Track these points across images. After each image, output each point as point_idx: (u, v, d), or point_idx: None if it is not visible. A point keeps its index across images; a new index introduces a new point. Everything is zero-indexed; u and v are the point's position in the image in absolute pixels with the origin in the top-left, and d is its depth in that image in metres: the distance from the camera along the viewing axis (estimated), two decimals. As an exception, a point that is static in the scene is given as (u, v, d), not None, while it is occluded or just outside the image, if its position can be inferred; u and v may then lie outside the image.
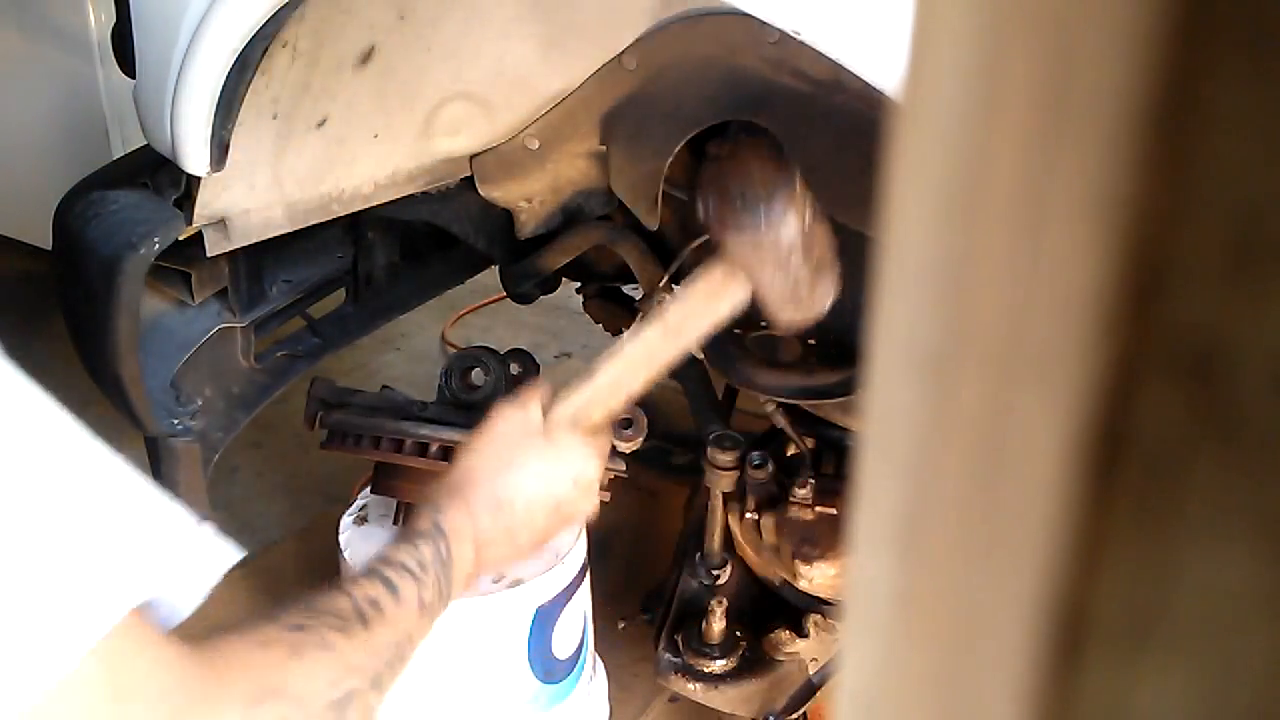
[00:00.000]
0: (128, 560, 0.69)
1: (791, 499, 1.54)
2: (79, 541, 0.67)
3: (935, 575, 0.25)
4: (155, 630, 0.71)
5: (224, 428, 1.68)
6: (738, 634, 1.61)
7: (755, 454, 1.58)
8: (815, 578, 1.51)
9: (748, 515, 1.58)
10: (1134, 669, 0.21)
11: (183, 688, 0.72)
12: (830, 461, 1.66)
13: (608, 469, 1.54)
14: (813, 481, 1.54)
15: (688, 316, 1.08)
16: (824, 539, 1.52)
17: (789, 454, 1.69)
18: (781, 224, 1.03)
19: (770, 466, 1.57)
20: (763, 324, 1.57)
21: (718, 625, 1.58)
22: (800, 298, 1.09)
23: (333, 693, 0.82)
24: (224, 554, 0.78)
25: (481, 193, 1.65)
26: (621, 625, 1.95)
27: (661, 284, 1.68)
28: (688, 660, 1.60)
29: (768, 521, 1.57)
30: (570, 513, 1.07)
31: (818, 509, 1.54)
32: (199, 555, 0.76)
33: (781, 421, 1.61)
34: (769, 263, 1.05)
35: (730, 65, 1.34)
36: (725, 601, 1.58)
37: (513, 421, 1.06)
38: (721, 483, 1.58)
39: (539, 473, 1.03)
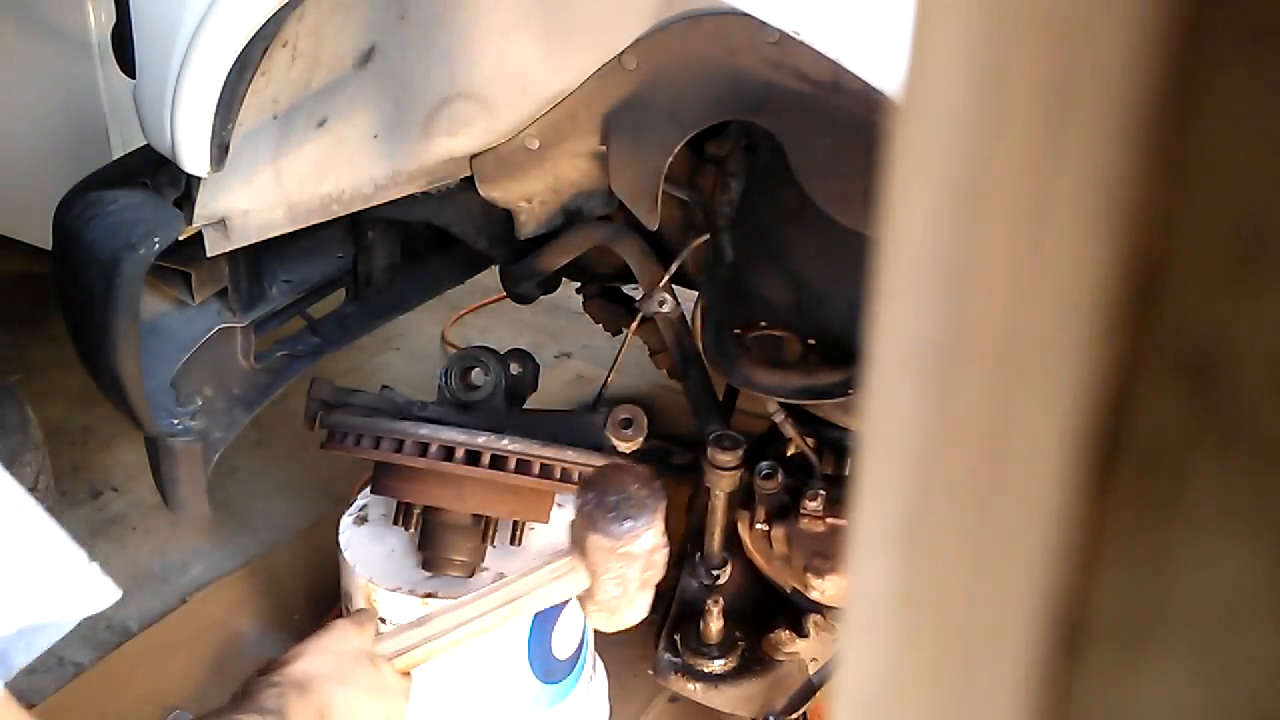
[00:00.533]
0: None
1: (802, 510, 1.55)
2: None
3: (935, 575, 0.25)
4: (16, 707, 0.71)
5: (224, 428, 1.68)
6: (737, 634, 1.62)
7: (764, 464, 1.58)
8: (827, 589, 1.51)
9: (757, 526, 1.58)
10: (1134, 669, 0.21)
11: None
12: (830, 462, 1.66)
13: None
14: (823, 493, 1.54)
15: (528, 592, 1.16)
16: (836, 551, 1.52)
17: (789, 454, 1.69)
18: (637, 542, 1.13)
19: (780, 476, 1.57)
20: (763, 323, 1.57)
21: (715, 625, 1.58)
22: (618, 609, 1.19)
23: None
24: (100, 595, 0.77)
25: (481, 193, 1.65)
26: (622, 626, 1.95)
27: (661, 284, 1.68)
28: (687, 660, 1.60)
29: (778, 533, 1.57)
30: None
31: (829, 520, 1.55)
32: (73, 594, 0.75)
33: (790, 430, 1.61)
34: (612, 570, 1.14)
35: (730, 65, 1.34)
36: (722, 601, 1.58)
37: (347, 641, 1.10)
38: (722, 483, 1.58)
39: (364, 699, 1.08)
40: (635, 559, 1.13)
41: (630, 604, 1.18)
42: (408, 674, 1.14)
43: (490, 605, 1.15)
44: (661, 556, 1.19)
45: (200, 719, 0.94)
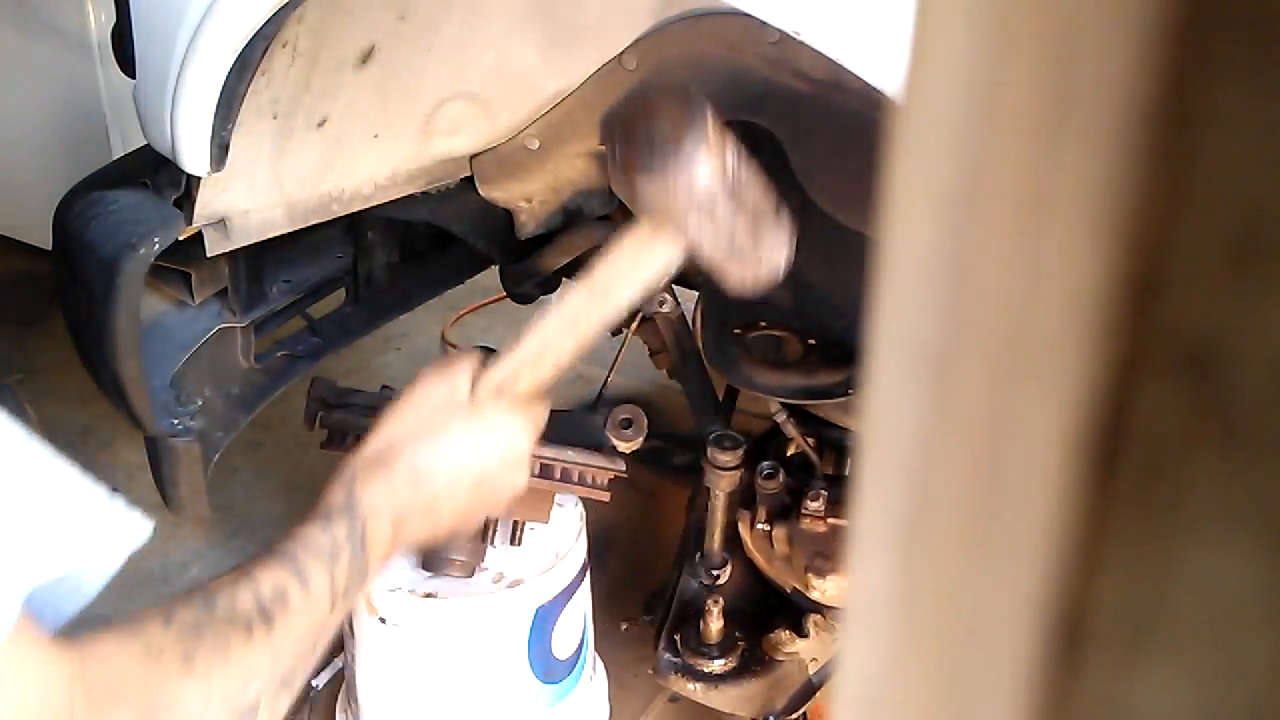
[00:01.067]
0: (19, 554, 0.67)
1: (804, 511, 1.55)
2: None
3: (935, 575, 0.25)
4: (44, 638, 0.68)
5: (224, 428, 1.68)
6: (737, 634, 1.62)
7: (765, 464, 1.58)
8: (829, 589, 1.51)
9: (759, 526, 1.58)
10: (1134, 669, 0.21)
11: (70, 706, 0.68)
12: (831, 462, 1.66)
13: (607, 469, 1.54)
14: (825, 493, 1.54)
15: (615, 277, 1.01)
16: (837, 551, 1.52)
17: (789, 454, 1.69)
18: (695, 165, 0.93)
19: (781, 476, 1.57)
20: (763, 323, 1.57)
21: (715, 625, 1.58)
22: (742, 251, 1.00)
23: (233, 702, 0.76)
24: (133, 529, 0.74)
25: (481, 193, 1.65)
26: (624, 627, 1.95)
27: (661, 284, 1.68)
28: (687, 660, 1.60)
29: (779, 533, 1.57)
30: (496, 488, 0.99)
31: (830, 520, 1.54)
32: (105, 533, 0.72)
33: (791, 430, 1.61)
34: (692, 210, 0.95)
35: (730, 65, 1.34)
36: (722, 601, 1.58)
37: (437, 390, 0.98)
38: (722, 483, 1.58)
39: (463, 444, 0.95)
40: (704, 187, 0.92)
41: (755, 241, 0.97)
42: (522, 401, 1.00)
43: (579, 304, 1.01)
44: (749, 176, 0.98)
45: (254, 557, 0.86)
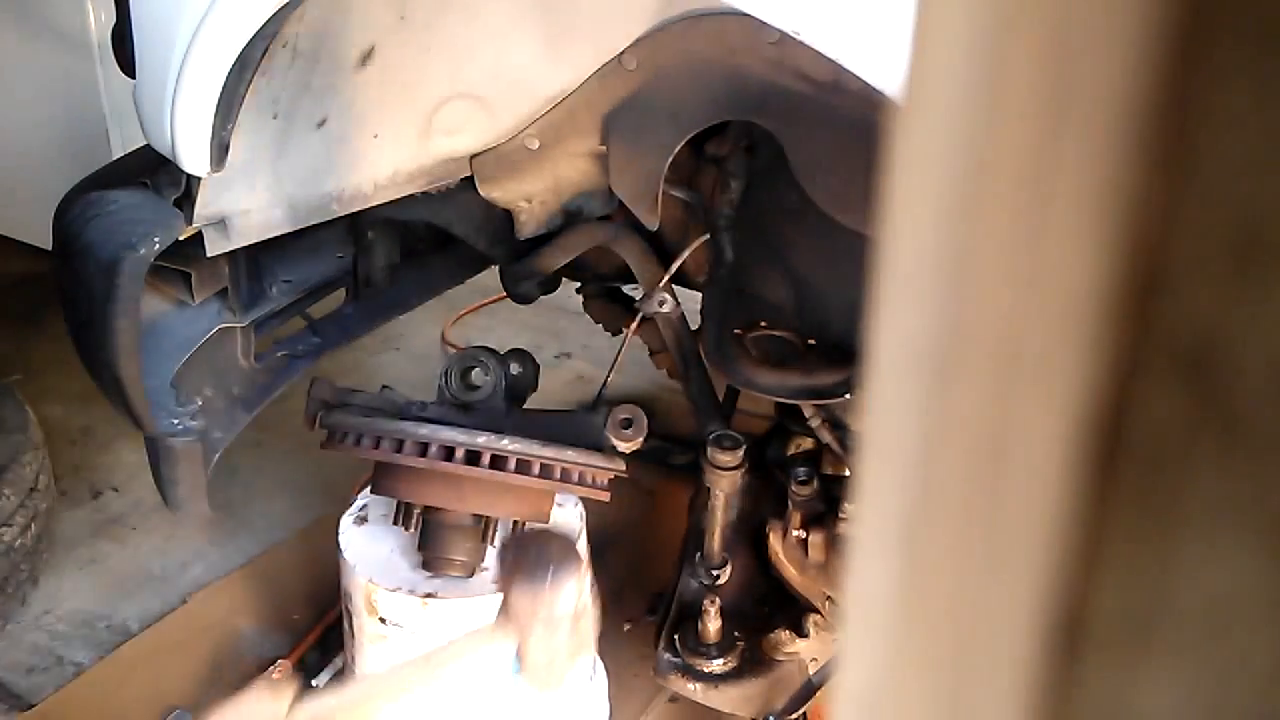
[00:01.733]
0: None
1: (842, 515, 1.54)
2: None
3: (935, 576, 0.25)
4: None
5: (224, 428, 1.68)
6: (737, 634, 1.61)
7: (800, 470, 1.57)
8: None
9: (794, 532, 1.57)
10: (1134, 669, 0.21)
11: None
12: (831, 462, 1.65)
13: (607, 469, 1.54)
14: None
15: (450, 656, 1.16)
16: None
17: (789, 454, 1.69)
18: (561, 592, 1.13)
19: (816, 483, 1.56)
20: (763, 323, 1.57)
21: (713, 625, 1.58)
22: (550, 669, 1.18)
23: None
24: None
25: (481, 193, 1.65)
26: (627, 628, 1.95)
27: (661, 284, 1.68)
28: (688, 660, 1.60)
29: (816, 539, 1.55)
30: None
31: None
32: None
33: (826, 435, 1.60)
34: (538, 623, 1.14)
35: (730, 65, 1.34)
36: (719, 601, 1.58)
37: (261, 710, 1.09)
38: (722, 483, 1.58)
39: None
40: (558, 623, 1.14)
41: (562, 666, 1.19)
42: None
43: (413, 673, 1.15)
44: (588, 622, 1.20)
45: None
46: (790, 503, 1.55)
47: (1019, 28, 0.21)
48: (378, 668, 1.56)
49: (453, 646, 1.17)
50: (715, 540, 1.63)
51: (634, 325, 1.78)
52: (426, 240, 2.01)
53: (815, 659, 1.60)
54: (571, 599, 1.15)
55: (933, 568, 0.25)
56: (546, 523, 1.59)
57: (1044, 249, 0.21)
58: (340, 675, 1.78)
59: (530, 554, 1.15)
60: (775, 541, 1.59)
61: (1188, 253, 0.19)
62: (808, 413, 1.59)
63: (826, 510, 1.57)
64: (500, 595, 1.16)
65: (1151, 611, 0.21)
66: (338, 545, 1.62)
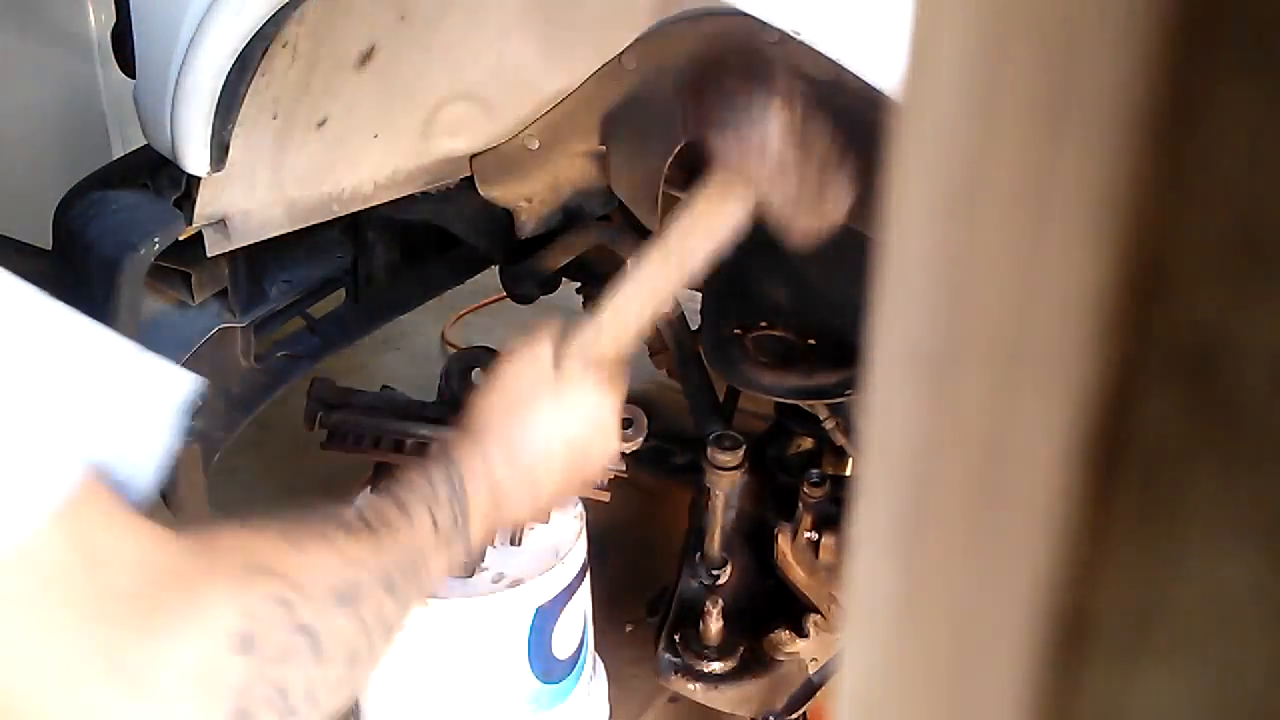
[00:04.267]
0: (82, 420, 0.65)
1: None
2: (28, 401, 0.62)
3: (935, 575, 0.25)
4: (121, 501, 0.67)
5: (224, 428, 1.67)
6: (737, 634, 1.61)
7: (814, 472, 1.55)
8: None
9: (807, 535, 1.55)
10: (1134, 669, 0.21)
11: (162, 557, 0.65)
12: (831, 462, 1.65)
13: (608, 469, 1.54)
14: None
15: (688, 235, 1.02)
16: None
17: (789, 454, 1.69)
18: (766, 118, 0.96)
19: (828, 485, 1.54)
20: (763, 323, 1.57)
21: (715, 625, 1.58)
22: (810, 201, 1.01)
23: (336, 581, 0.74)
24: (179, 388, 0.71)
25: (481, 193, 1.65)
26: (629, 628, 1.94)
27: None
28: (688, 660, 1.60)
29: (829, 541, 1.54)
30: (588, 458, 1.01)
31: None
32: (156, 401, 0.70)
33: (841, 439, 1.59)
34: (764, 163, 0.98)
35: (730, 65, 1.34)
36: (721, 601, 1.58)
37: (523, 365, 0.99)
38: (722, 483, 1.57)
39: (554, 417, 0.97)
40: (776, 139, 0.95)
41: (822, 191, 0.99)
42: (606, 368, 1.01)
43: (655, 266, 1.02)
44: (815, 127, 1.00)
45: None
46: (801, 505, 1.54)
47: (1019, 27, 0.21)
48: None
49: (685, 223, 1.01)
50: (715, 540, 1.63)
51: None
52: (426, 240, 2.01)
53: (815, 659, 1.60)
54: (781, 117, 0.97)
55: (933, 568, 0.25)
56: (546, 523, 1.59)
57: (1044, 249, 0.21)
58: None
59: (710, 89, 0.98)
60: (784, 544, 1.57)
61: (1188, 253, 0.19)
62: (822, 415, 1.58)
63: (837, 513, 1.56)
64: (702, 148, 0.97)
65: (1151, 611, 0.21)
66: (338, 545, 1.62)
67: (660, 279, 1.03)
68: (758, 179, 0.99)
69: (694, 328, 1.71)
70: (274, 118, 1.41)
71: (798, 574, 1.59)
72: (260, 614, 0.67)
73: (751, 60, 0.99)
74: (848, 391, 1.49)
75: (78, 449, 0.63)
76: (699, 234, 1.02)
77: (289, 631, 0.68)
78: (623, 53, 1.42)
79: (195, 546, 0.68)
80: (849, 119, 1.26)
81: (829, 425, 1.58)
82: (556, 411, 0.97)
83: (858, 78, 1.06)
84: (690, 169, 1.63)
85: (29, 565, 0.59)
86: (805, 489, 1.53)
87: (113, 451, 0.67)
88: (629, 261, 1.10)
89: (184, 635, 0.64)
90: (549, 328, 1.04)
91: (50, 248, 1.58)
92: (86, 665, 0.61)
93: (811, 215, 1.03)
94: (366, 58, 1.44)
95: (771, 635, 1.59)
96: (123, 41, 1.45)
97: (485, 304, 2.92)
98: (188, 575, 0.66)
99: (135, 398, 0.70)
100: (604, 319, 1.04)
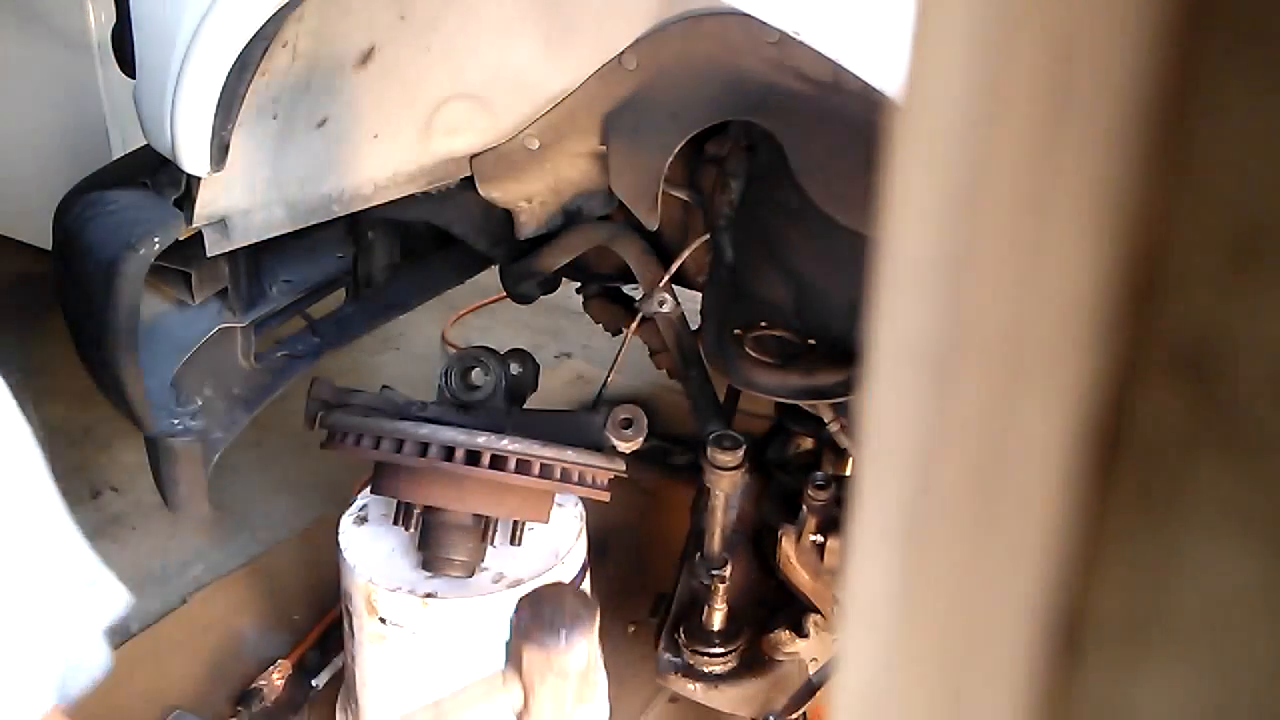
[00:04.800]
0: (44, 650, 0.71)
1: None
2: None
3: (935, 575, 0.25)
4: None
5: (224, 428, 1.68)
6: (737, 634, 1.61)
7: (818, 475, 1.55)
8: None
9: (812, 538, 1.55)
10: (1134, 669, 0.21)
11: None
12: (831, 462, 1.65)
13: (607, 469, 1.54)
14: None
15: (459, 704, 1.17)
16: None
17: (789, 454, 1.69)
18: (572, 651, 1.15)
19: (833, 488, 1.54)
20: (763, 323, 1.57)
21: (715, 625, 1.58)
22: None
23: None
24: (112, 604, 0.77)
25: (481, 193, 1.65)
26: (631, 629, 1.95)
27: (661, 284, 1.68)
28: (688, 660, 1.60)
29: (835, 544, 1.53)
30: None
31: None
32: (95, 615, 0.77)
33: (845, 441, 1.59)
34: (548, 685, 1.16)
35: (730, 65, 1.34)
36: (723, 602, 1.58)
37: None
38: (722, 483, 1.57)
39: None
40: (568, 677, 1.15)
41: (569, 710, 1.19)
42: None
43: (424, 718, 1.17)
44: (596, 677, 1.20)
45: None
46: (806, 507, 1.54)
47: (1019, 27, 0.21)
48: (377, 668, 1.56)
49: (462, 694, 1.19)
50: (715, 540, 1.63)
51: (634, 325, 1.78)
52: (426, 240, 2.01)
53: (815, 659, 1.60)
54: (583, 657, 1.17)
55: (933, 567, 0.25)
56: (546, 523, 1.59)
57: (1044, 249, 0.21)
58: (340, 675, 1.78)
59: (546, 608, 1.16)
60: (788, 546, 1.57)
61: (1187, 253, 0.19)
62: (827, 417, 1.58)
63: (843, 515, 1.55)
64: (514, 646, 1.18)
65: (1151, 611, 0.21)
66: (338, 545, 1.62)
67: None
68: (536, 695, 1.17)
69: (694, 328, 1.71)
70: (274, 118, 1.41)
71: (801, 577, 1.58)
72: None
73: (584, 604, 1.19)
74: (848, 391, 1.49)
75: (45, 673, 0.70)
76: (467, 707, 1.18)
77: None
78: (623, 53, 1.42)
79: None
80: (848, 120, 1.26)
81: (833, 427, 1.58)
82: None
83: (858, 78, 1.06)
84: (691, 169, 1.64)
85: None
86: (810, 492, 1.53)
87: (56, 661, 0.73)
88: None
89: None
90: None
91: (50, 248, 1.58)
92: None
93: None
94: (366, 58, 1.44)
95: (771, 635, 1.59)
96: (122, 41, 1.45)
97: (485, 304, 2.92)
98: None
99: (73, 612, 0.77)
100: None
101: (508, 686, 1.16)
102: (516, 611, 1.18)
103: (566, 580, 1.56)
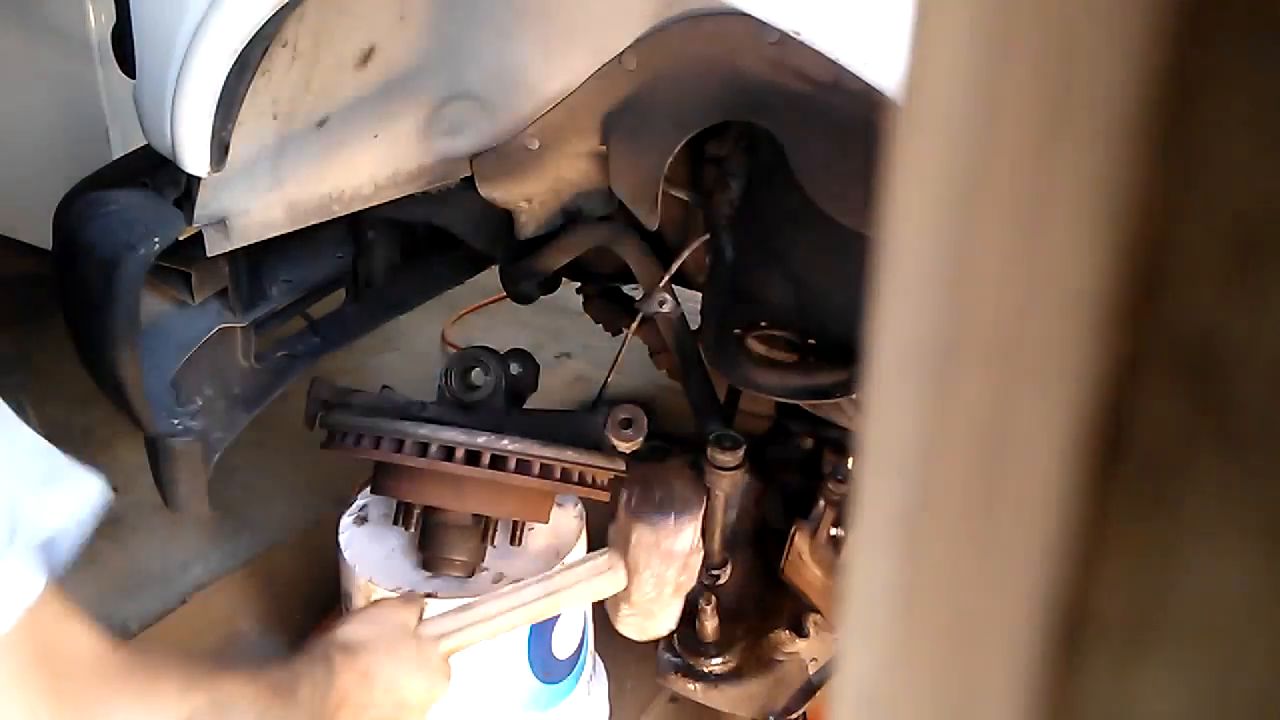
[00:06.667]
0: (35, 526, 0.73)
1: None
2: None
3: (935, 575, 0.25)
4: (72, 605, 0.75)
5: (224, 428, 1.67)
6: (737, 634, 1.61)
7: (839, 467, 1.55)
8: None
9: (832, 532, 1.54)
10: (1134, 669, 0.21)
11: (112, 660, 0.75)
12: (832, 461, 1.65)
13: (607, 469, 1.54)
14: None
15: (567, 587, 1.19)
16: None
17: (790, 454, 1.68)
18: (679, 539, 1.15)
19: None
20: (763, 323, 1.57)
21: (710, 624, 1.58)
22: (652, 613, 1.21)
23: (260, 706, 0.88)
24: (90, 491, 0.80)
25: (481, 193, 1.65)
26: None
27: (661, 284, 1.68)
28: (688, 660, 1.60)
29: None
30: (406, 712, 1.13)
31: None
32: (73, 498, 0.79)
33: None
34: (652, 568, 1.16)
35: (730, 66, 1.34)
36: (721, 601, 1.58)
37: (397, 615, 1.15)
38: (722, 483, 1.57)
39: (406, 670, 1.11)
40: (674, 558, 1.14)
41: (663, 609, 1.18)
42: (449, 657, 1.17)
43: (531, 596, 1.17)
44: (696, 561, 1.18)
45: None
46: (824, 501, 1.54)
47: (1019, 26, 0.21)
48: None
49: (570, 572, 1.18)
50: (715, 540, 1.63)
51: (634, 325, 1.78)
52: (426, 240, 2.01)
53: (815, 659, 1.60)
54: (688, 540, 1.16)
55: (932, 567, 0.25)
56: (546, 523, 1.59)
57: (1044, 249, 0.21)
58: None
59: (656, 491, 1.16)
60: (802, 542, 1.56)
61: (1188, 252, 0.19)
62: (848, 412, 1.58)
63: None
64: (620, 526, 1.16)
65: (1152, 611, 0.21)
66: (338, 545, 1.62)
67: (530, 609, 1.18)
68: (638, 578, 1.17)
69: (694, 328, 1.71)
70: (274, 118, 1.41)
71: (811, 574, 1.58)
72: (201, 715, 0.80)
73: (694, 488, 1.19)
74: (848, 391, 1.49)
75: (38, 553, 0.72)
76: (576, 589, 1.19)
77: None
78: (623, 53, 1.42)
79: (138, 658, 0.79)
80: (849, 120, 1.26)
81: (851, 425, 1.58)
82: (409, 669, 1.12)
83: (858, 78, 1.06)
84: (691, 168, 1.64)
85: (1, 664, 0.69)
86: (830, 485, 1.53)
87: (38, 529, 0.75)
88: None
89: None
90: (421, 600, 1.21)
91: (50, 248, 1.58)
92: None
93: (640, 623, 1.24)
94: (366, 58, 1.44)
95: (771, 635, 1.59)
96: (122, 41, 1.45)
97: (485, 304, 2.92)
98: (135, 677, 0.77)
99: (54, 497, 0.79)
100: (472, 619, 1.18)
101: (612, 569, 1.17)
102: (625, 492, 1.18)
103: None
